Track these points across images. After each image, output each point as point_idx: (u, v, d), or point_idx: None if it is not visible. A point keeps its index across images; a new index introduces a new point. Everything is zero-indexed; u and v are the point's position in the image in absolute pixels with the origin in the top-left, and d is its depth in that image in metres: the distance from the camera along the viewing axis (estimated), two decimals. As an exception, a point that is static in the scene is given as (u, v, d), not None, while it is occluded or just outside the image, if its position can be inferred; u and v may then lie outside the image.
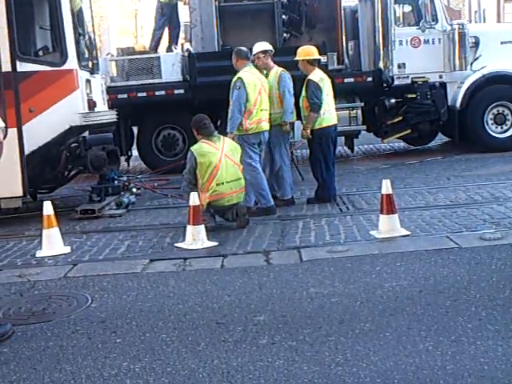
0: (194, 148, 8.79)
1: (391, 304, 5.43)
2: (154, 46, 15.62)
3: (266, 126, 9.70)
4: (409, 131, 14.90)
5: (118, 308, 5.80)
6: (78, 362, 4.65)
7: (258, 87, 9.57)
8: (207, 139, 8.80)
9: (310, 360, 4.44)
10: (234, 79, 9.60)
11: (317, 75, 10.02)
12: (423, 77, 14.52)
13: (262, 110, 9.59)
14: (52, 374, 4.49)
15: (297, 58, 10.19)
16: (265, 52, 10.03)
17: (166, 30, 15.75)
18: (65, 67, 10.11)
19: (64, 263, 7.52)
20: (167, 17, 15.50)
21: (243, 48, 10.04)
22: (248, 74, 9.59)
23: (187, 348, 4.79)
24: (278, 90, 9.91)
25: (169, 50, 15.69)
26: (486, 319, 4.96)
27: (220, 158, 8.65)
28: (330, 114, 10.11)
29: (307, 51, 10.22)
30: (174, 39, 15.83)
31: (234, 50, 10.08)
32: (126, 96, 14.19)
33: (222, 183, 8.62)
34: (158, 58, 14.62)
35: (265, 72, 10.07)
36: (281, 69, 10.07)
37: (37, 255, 7.92)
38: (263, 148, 9.87)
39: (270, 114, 9.88)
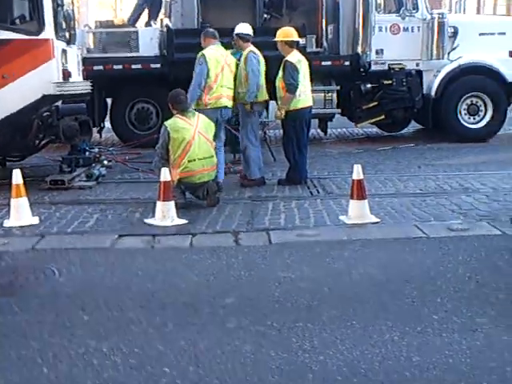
0: (167, 123, 8.74)
1: (358, 291, 5.47)
2: (134, 20, 15.46)
3: (225, 102, 9.83)
4: (382, 117, 14.90)
5: (86, 283, 5.77)
6: (44, 339, 4.62)
7: (220, 64, 9.78)
8: (182, 114, 8.76)
9: (277, 346, 4.45)
10: (198, 55, 9.81)
11: (294, 57, 10.00)
12: (400, 64, 14.52)
13: (222, 87, 9.76)
14: (19, 351, 4.45)
15: (276, 38, 10.17)
16: (237, 35, 10.25)
17: None
18: (41, 36, 10.03)
19: (32, 234, 7.46)
20: None
21: (210, 29, 10.41)
22: (211, 51, 9.82)
23: (154, 328, 4.78)
24: (245, 70, 9.99)
25: (148, 24, 15.53)
26: (451, 311, 5.00)
27: (193, 134, 8.61)
28: (305, 95, 10.12)
29: (286, 33, 10.19)
30: (154, 15, 15.65)
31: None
32: (101, 68, 14.07)
33: (194, 160, 8.59)
34: (136, 32, 14.56)
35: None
36: (251, 49, 10.14)
37: (4, 225, 7.85)
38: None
39: (238, 93, 10.03)
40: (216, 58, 9.78)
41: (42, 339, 4.62)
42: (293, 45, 10.14)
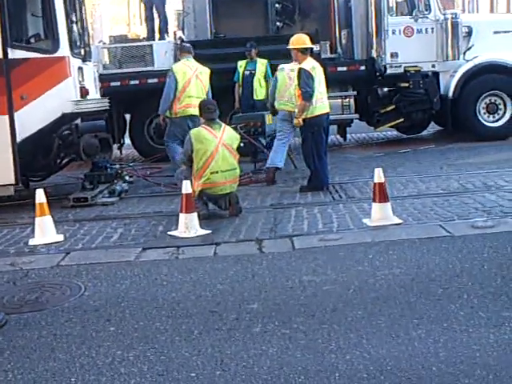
0: (193, 132, 8.74)
1: (384, 292, 5.45)
2: (151, 34, 15.56)
3: (193, 111, 10.49)
4: (401, 120, 14.89)
5: (112, 296, 5.79)
6: (72, 351, 4.66)
7: (187, 76, 10.77)
8: (208, 125, 8.73)
9: (303, 348, 4.46)
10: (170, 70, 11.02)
11: (309, 64, 10.01)
12: (416, 66, 14.52)
13: (190, 97, 10.72)
14: (46, 363, 4.49)
15: (289, 46, 10.20)
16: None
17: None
18: (57, 54, 10.07)
19: (57, 251, 7.50)
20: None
21: (186, 44, 11.66)
22: (179, 64, 11.07)
23: (181, 336, 4.80)
24: None
25: (161, 38, 15.61)
26: (477, 307, 4.99)
27: (217, 146, 8.56)
28: (322, 102, 10.11)
29: (299, 40, 10.22)
30: (163, 29, 15.70)
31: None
32: (118, 84, 14.18)
33: (217, 172, 8.56)
34: (151, 45, 14.62)
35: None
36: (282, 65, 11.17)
37: (29, 243, 7.90)
38: None
39: None
40: (183, 71, 10.91)
41: (69, 351, 4.65)
42: (307, 52, 10.15)
